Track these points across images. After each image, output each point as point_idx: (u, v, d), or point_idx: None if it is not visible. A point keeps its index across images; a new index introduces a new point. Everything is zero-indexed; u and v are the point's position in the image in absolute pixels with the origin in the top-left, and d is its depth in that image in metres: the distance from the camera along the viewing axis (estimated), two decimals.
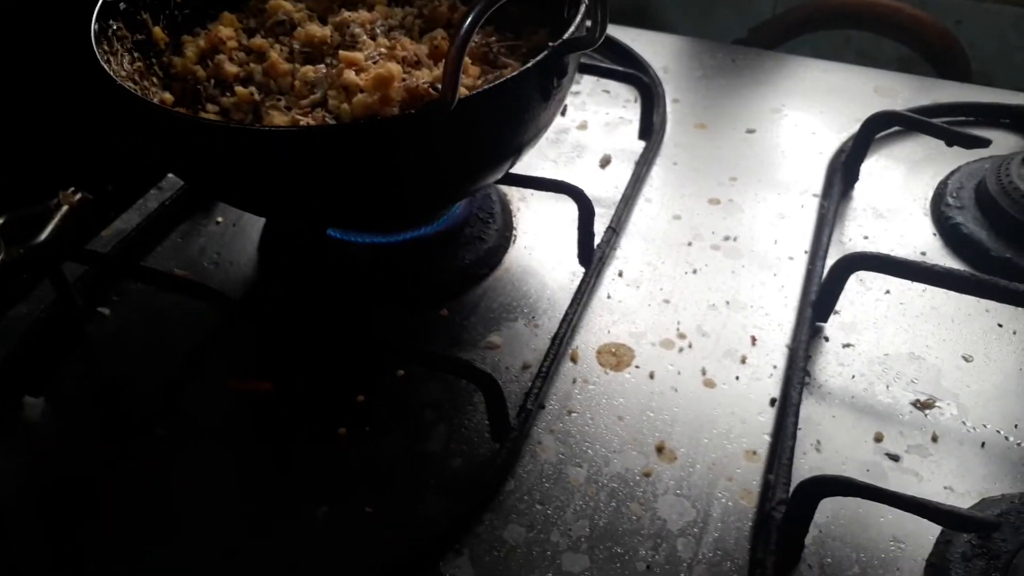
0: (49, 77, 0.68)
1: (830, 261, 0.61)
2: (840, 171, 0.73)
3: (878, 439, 0.53)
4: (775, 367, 0.58)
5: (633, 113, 0.81)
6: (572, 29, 0.54)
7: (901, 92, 0.83)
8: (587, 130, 0.80)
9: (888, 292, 0.63)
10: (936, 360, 0.58)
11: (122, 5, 0.58)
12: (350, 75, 0.55)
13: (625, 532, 0.49)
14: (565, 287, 0.64)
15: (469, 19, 0.46)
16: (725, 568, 0.47)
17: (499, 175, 0.59)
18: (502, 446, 0.52)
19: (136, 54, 0.60)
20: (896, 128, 0.76)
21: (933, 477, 0.51)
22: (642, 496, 0.51)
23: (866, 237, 0.68)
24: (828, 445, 0.53)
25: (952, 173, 0.72)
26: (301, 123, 0.54)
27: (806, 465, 0.52)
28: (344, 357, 0.59)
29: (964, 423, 0.54)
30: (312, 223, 0.64)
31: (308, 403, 0.56)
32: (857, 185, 0.73)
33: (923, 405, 0.55)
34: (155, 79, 0.60)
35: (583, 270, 0.65)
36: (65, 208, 0.54)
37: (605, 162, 0.76)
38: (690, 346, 0.59)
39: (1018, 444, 0.53)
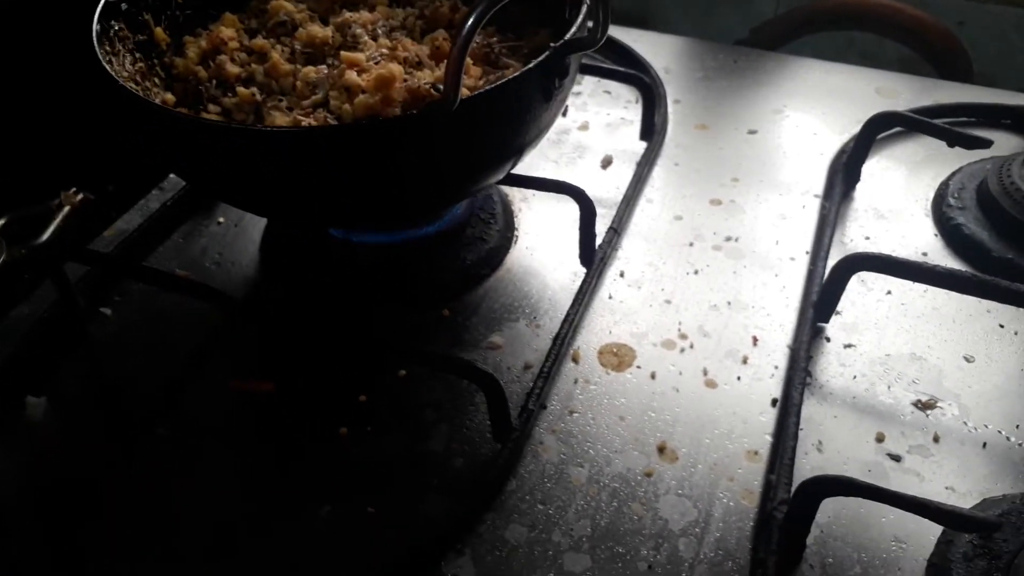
0: (50, 77, 0.68)
1: (831, 262, 0.61)
2: (841, 172, 0.73)
3: (879, 439, 0.53)
4: (776, 367, 0.58)
5: (634, 114, 0.81)
6: (574, 30, 0.54)
7: (903, 93, 0.83)
8: (588, 131, 0.80)
9: (889, 293, 0.63)
10: (937, 361, 0.58)
11: (124, 6, 0.59)
12: (352, 76, 0.55)
13: (627, 532, 0.49)
14: (566, 287, 0.64)
15: (471, 20, 0.46)
16: (727, 568, 0.47)
17: (501, 176, 0.59)
18: (504, 446, 0.52)
19: (138, 55, 0.60)
20: (897, 129, 0.76)
21: (934, 477, 0.51)
22: (644, 496, 0.51)
23: (867, 238, 0.68)
24: (829, 445, 0.53)
25: (953, 174, 0.72)
26: (303, 124, 0.54)
27: (807, 465, 0.52)
28: (346, 357, 0.59)
29: (965, 423, 0.54)
30: (314, 223, 0.64)
31: (310, 403, 0.56)
32: (858, 186, 0.73)
33: (924, 405, 0.55)
34: (157, 80, 0.61)
35: (584, 270, 0.65)
36: (67, 208, 0.54)
37: (606, 163, 0.76)
38: (691, 346, 0.60)
39: (1019, 444, 0.53)
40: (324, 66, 0.58)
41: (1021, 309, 0.60)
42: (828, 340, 0.60)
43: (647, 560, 0.47)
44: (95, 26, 0.55)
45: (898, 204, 0.71)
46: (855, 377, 0.57)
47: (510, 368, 0.58)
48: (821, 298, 0.60)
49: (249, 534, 0.49)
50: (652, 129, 0.78)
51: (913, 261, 0.60)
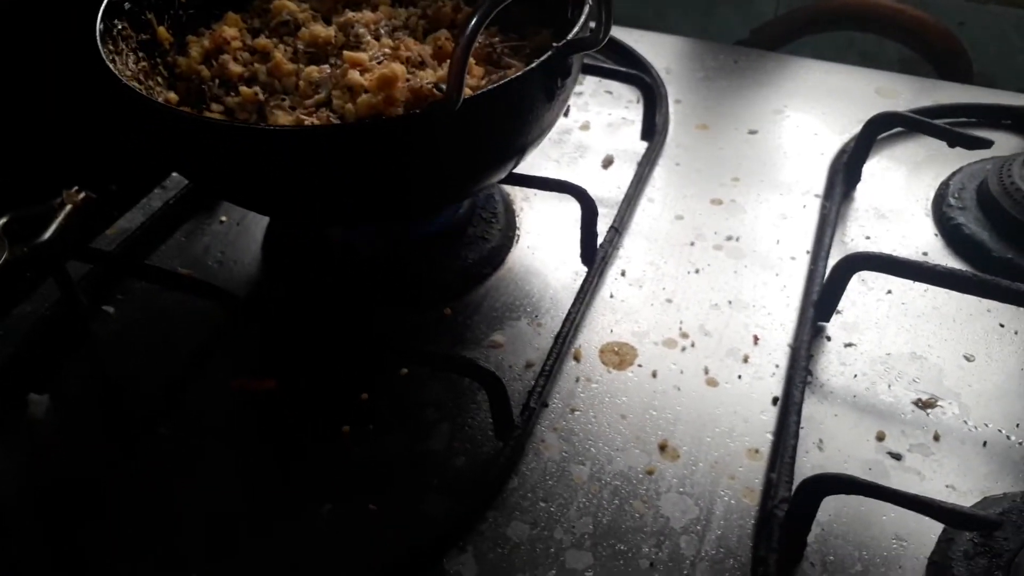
0: (52, 76, 0.68)
1: (832, 261, 0.61)
2: (842, 172, 0.73)
3: (880, 438, 0.53)
4: (777, 366, 0.58)
5: (635, 114, 0.81)
6: (576, 30, 0.54)
7: (903, 93, 0.83)
8: (590, 130, 0.80)
9: (890, 292, 0.63)
10: (938, 360, 0.58)
11: (127, 5, 0.59)
12: (354, 75, 0.55)
13: (628, 529, 0.49)
14: (568, 286, 0.64)
15: (474, 19, 0.46)
16: (728, 565, 0.47)
17: (503, 175, 0.59)
18: (505, 444, 0.52)
19: (141, 54, 0.60)
20: (898, 129, 0.77)
21: (935, 476, 0.51)
22: (645, 494, 0.51)
23: (868, 237, 0.68)
24: (830, 444, 0.53)
25: (954, 174, 0.72)
26: (306, 123, 0.54)
27: (808, 464, 0.52)
28: (347, 356, 0.59)
29: (966, 422, 0.54)
30: (316, 222, 0.64)
31: (311, 402, 0.56)
32: (859, 186, 0.73)
33: (925, 404, 0.55)
34: (160, 79, 0.61)
35: (586, 269, 0.65)
36: (69, 207, 0.55)
37: (608, 162, 0.76)
38: (693, 345, 0.60)
39: (1019, 443, 0.53)
40: (327, 66, 0.58)
41: (1021, 308, 0.60)
42: (829, 339, 0.60)
43: (649, 558, 0.48)
44: (98, 25, 0.55)
45: (898, 204, 0.71)
46: (856, 376, 0.57)
47: (512, 367, 0.58)
48: (822, 297, 0.61)
49: (250, 533, 0.50)
50: (653, 129, 0.79)
51: (913, 261, 0.60)
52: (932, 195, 0.72)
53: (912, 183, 0.73)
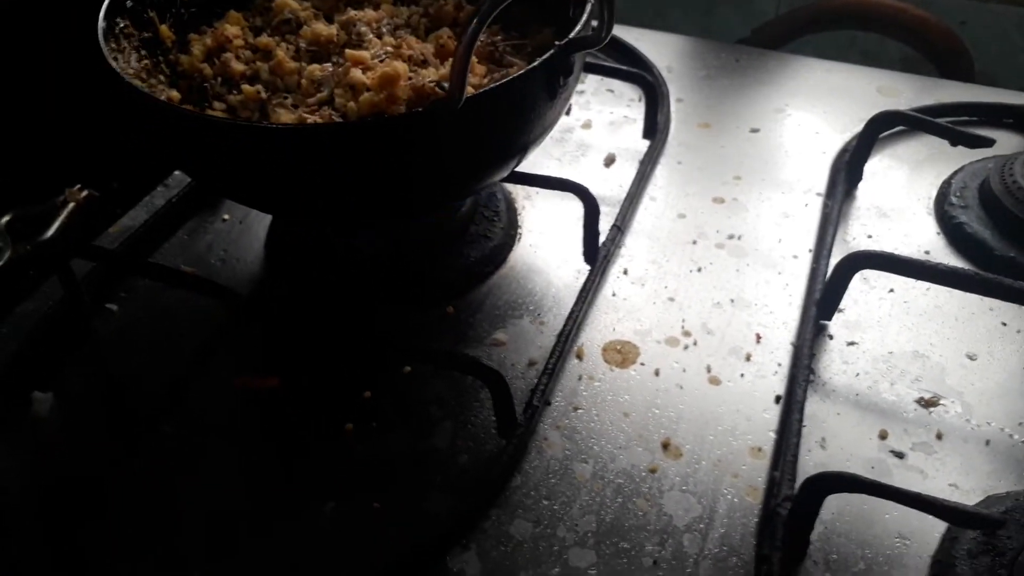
0: (54, 75, 0.68)
1: (834, 260, 0.61)
2: (844, 170, 0.73)
3: (882, 436, 0.53)
4: (780, 365, 0.58)
5: (637, 112, 0.81)
6: (578, 28, 0.54)
7: (904, 92, 0.83)
8: (591, 129, 0.80)
9: (892, 291, 0.63)
10: (940, 358, 0.58)
11: (129, 3, 0.59)
12: (356, 73, 0.55)
13: (631, 528, 0.49)
14: (570, 285, 0.64)
15: (477, 18, 0.46)
16: (731, 563, 0.47)
17: (505, 173, 0.59)
18: (508, 442, 0.52)
19: (143, 52, 0.60)
20: (900, 128, 0.77)
21: (938, 474, 0.51)
22: (648, 492, 0.51)
23: (870, 236, 0.68)
24: (833, 442, 0.53)
25: (956, 173, 0.72)
26: (308, 121, 0.54)
27: (811, 462, 0.52)
28: (350, 354, 0.59)
29: (968, 421, 0.54)
30: (318, 220, 0.64)
31: (314, 400, 0.56)
32: (861, 184, 0.73)
33: (927, 403, 0.55)
34: (162, 77, 0.61)
35: (588, 268, 0.65)
36: (72, 205, 0.54)
37: (609, 161, 0.76)
38: (695, 344, 0.60)
39: (1022, 442, 0.53)
40: (329, 64, 0.58)
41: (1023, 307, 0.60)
42: (831, 338, 0.60)
43: (652, 556, 0.48)
44: (101, 23, 0.55)
45: (900, 203, 0.71)
46: (858, 374, 0.57)
47: (514, 365, 0.58)
48: (824, 296, 0.61)
49: (253, 531, 0.50)
50: (655, 127, 0.79)
51: (916, 259, 0.60)
52: (934, 194, 0.72)
53: (914, 182, 0.73)
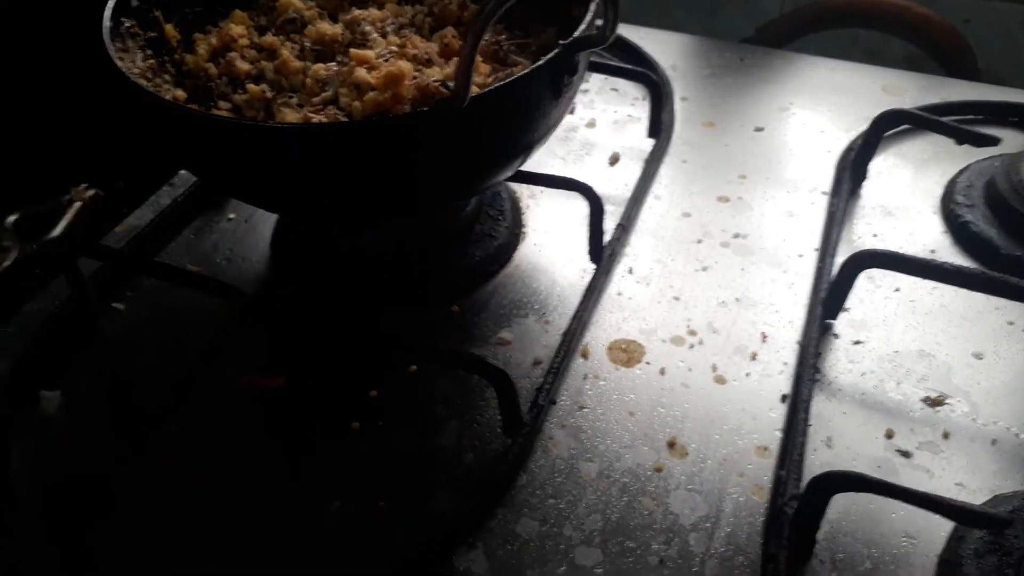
0: (60, 75, 0.68)
1: (839, 259, 0.61)
2: (849, 169, 0.73)
3: (889, 436, 0.53)
4: (785, 364, 0.58)
5: (642, 111, 0.81)
6: (583, 27, 0.54)
7: (909, 91, 0.83)
8: (596, 128, 0.80)
9: (898, 290, 0.63)
10: (946, 357, 0.58)
11: (134, 3, 0.59)
12: (361, 73, 0.55)
13: (637, 527, 0.49)
14: (575, 284, 0.64)
15: (482, 17, 0.46)
16: (737, 563, 0.47)
17: (509, 172, 0.59)
18: (514, 441, 0.53)
19: (148, 52, 0.60)
20: (905, 126, 0.76)
21: (944, 474, 0.51)
22: (654, 491, 0.51)
23: (875, 235, 0.68)
24: (839, 441, 0.53)
25: (961, 171, 0.72)
26: (313, 120, 0.55)
27: (817, 461, 0.52)
28: (356, 353, 0.59)
29: (975, 420, 0.54)
30: (323, 219, 0.64)
31: (320, 399, 0.57)
32: (866, 183, 0.73)
33: (933, 402, 0.55)
34: (167, 76, 0.61)
35: (593, 267, 0.65)
36: (78, 204, 0.54)
37: (614, 160, 0.76)
38: (700, 343, 0.60)
39: None
40: (334, 63, 0.58)
41: None
42: (837, 337, 0.60)
43: (658, 554, 0.48)
44: (106, 23, 0.55)
45: (906, 201, 0.71)
46: (864, 374, 0.57)
47: (519, 364, 0.58)
48: (829, 295, 0.61)
49: (259, 530, 0.50)
50: (659, 126, 0.78)
51: (921, 258, 0.60)
52: (940, 192, 0.72)
53: (919, 180, 0.73)
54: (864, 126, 0.74)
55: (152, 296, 0.64)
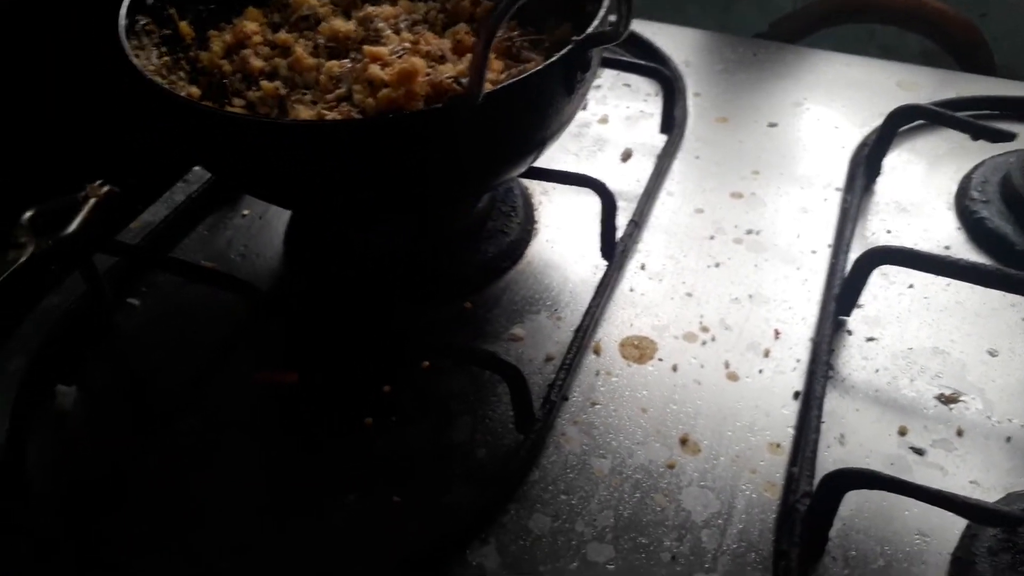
0: (75, 71, 0.69)
1: (853, 255, 0.61)
2: (863, 165, 0.73)
3: (902, 433, 0.53)
4: (798, 360, 0.58)
5: (654, 107, 0.81)
6: (596, 23, 0.54)
7: (924, 86, 0.83)
8: (608, 124, 0.80)
9: (912, 286, 0.63)
10: (961, 354, 0.58)
11: (150, 1, 0.59)
12: (375, 70, 0.55)
13: (650, 523, 0.49)
14: (587, 280, 0.64)
15: (495, 13, 0.46)
16: (750, 559, 0.47)
17: (522, 169, 0.60)
18: (526, 437, 0.53)
19: (163, 49, 0.60)
20: (919, 122, 0.76)
21: (958, 471, 0.51)
22: (666, 487, 0.51)
23: (889, 231, 0.68)
24: (852, 438, 0.53)
25: (976, 167, 0.72)
26: (326, 117, 0.55)
27: (830, 458, 0.52)
28: (369, 349, 0.59)
29: (989, 418, 0.54)
30: (336, 216, 0.64)
31: (334, 394, 0.57)
32: (880, 179, 0.72)
33: (948, 399, 0.55)
34: (182, 73, 0.61)
35: (605, 263, 0.65)
36: (93, 201, 0.55)
37: (626, 156, 0.76)
38: (713, 339, 0.60)
39: None
40: (347, 60, 0.59)
41: None
42: (850, 333, 0.60)
43: (670, 551, 0.48)
44: (122, 20, 0.55)
45: (920, 197, 0.71)
46: (877, 371, 0.57)
47: (532, 360, 0.59)
48: (843, 292, 0.60)
49: (273, 524, 0.50)
50: (672, 122, 0.78)
51: (936, 255, 0.59)
52: (954, 188, 0.71)
53: (934, 176, 0.73)
54: (878, 121, 0.74)
55: (167, 292, 0.65)
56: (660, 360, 0.58)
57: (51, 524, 0.50)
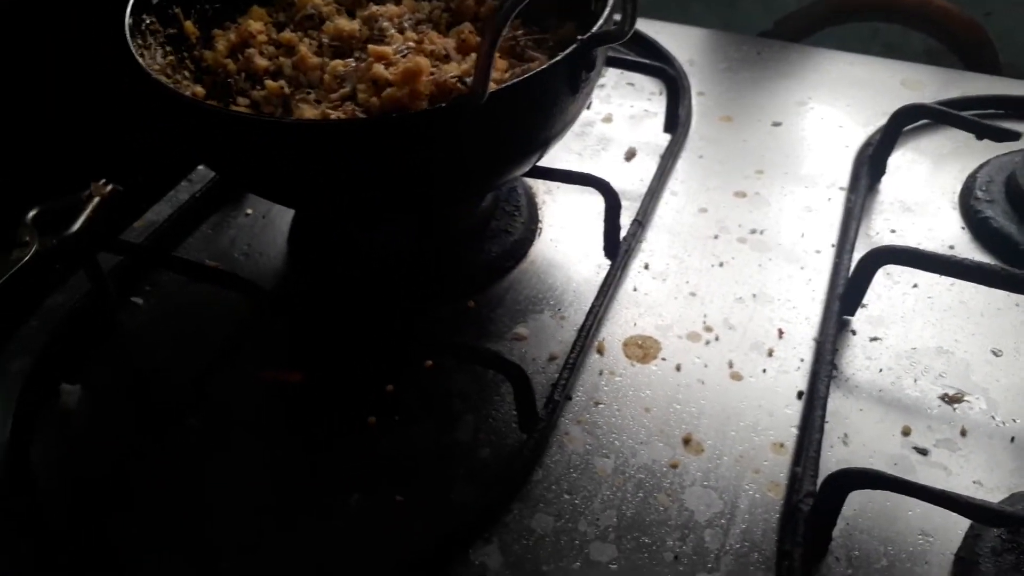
0: (79, 70, 0.69)
1: (857, 255, 0.61)
2: (867, 164, 0.73)
3: (906, 433, 0.53)
4: (802, 360, 0.58)
5: (658, 106, 0.81)
6: (601, 22, 0.54)
7: (928, 85, 0.82)
8: (612, 123, 0.80)
9: (916, 286, 0.63)
10: (965, 354, 0.58)
11: (155, 0, 0.59)
12: (379, 69, 0.55)
13: (652, 523, 0.49)
14: (591, 280, 0.64)
15: (501, 13, 0.46)
16: (752, 559, 0.47)
17: (526, 168, 0.60)
18: (530, 436, 0.53)
19: (168, 48, 0.60)
20: (924, 121, 0.76)
21: (962, 471, 0.51)
22: (669, 487, 0.51)
23: (893, 231, 0.68)
24: (855, 438, 0.53)
25: (981, 166, 0.72)
26: (331, 117, 0.55)
27: (833, 458, 0.52)
28: (373, 348, 0.59)
29: (993, 417, 0.54)
30: (340, 215, 0.64)
31: (338, 393, 0.57)
32: (884, 178, 0.72)
33: (951, 399, 0.55)
34: (187, 72, 0.61)
35: (609, 263, 0.65)
36: (97, 199, 0.55)
37: (630, 155, 0.76)
38: (717, 339, 0.60)
39: None
40: (352, 59, 0.59)
41: None
42: (854, 333, 0.60)
43: (673, 551, 0.48)
44: (127, 20, 0.56)
45: (924, 197, 0.71)
46: (881, 370, 0.57)
47: (535, 359, 0.59)
48: (847, 291, 0.60)
49: (278, 523, 0.50)
50: (676, 121, 0.78)
51: (940, 254, 0.59)
52: (959, 188, 0.71)
53: (938, 176, 0.73)
54: (882, 121, 0.74)
55: (170, 291, 0.65)
56: (664, 360, 0.58)
57: (55, 522, 0.50)
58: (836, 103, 0.81)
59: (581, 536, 0.49)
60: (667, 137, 0.78)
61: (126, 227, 0.70)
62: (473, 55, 0.58)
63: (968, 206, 0.68)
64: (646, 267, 0.65)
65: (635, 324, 0.61)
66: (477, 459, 0.53)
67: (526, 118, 0.54)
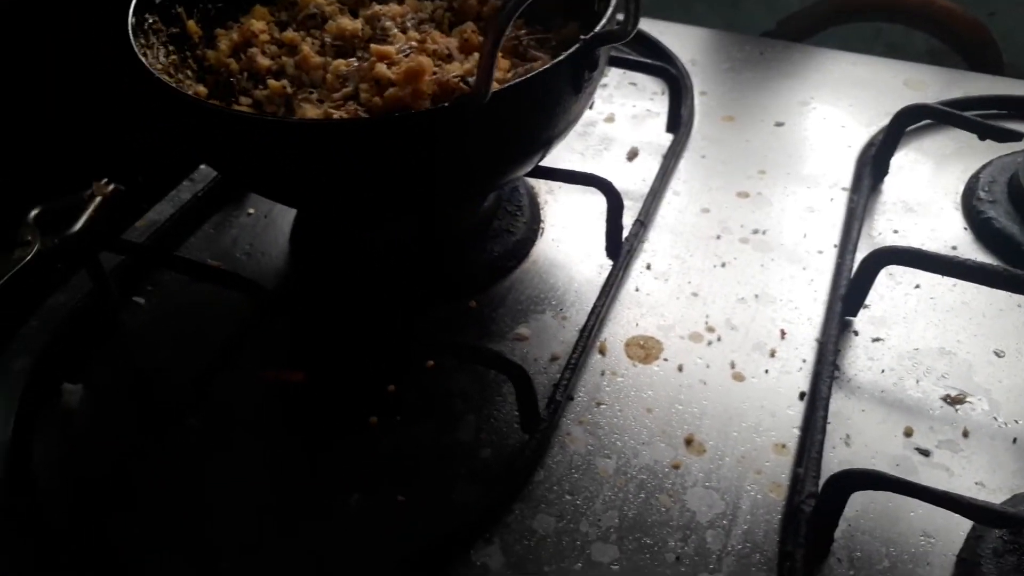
0: (81, 69, 0.69)
1: (860, 255, 0.61)
2: (870, 165, 0.73)
3: (908, 434, 0.53)
4: (804, 361, 0.58)
5: (660, 106, 0.81)
6: (604, 21, 0.54)
7: (931, 85, 0.82)
8: (614, 123, 0.80)
9: (918, 287, 0.62)
10: (967, 355, 0.58)
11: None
12: (381, 68, 0.55)
13: (654, 523, 0.49)
14: (593, 280, 0.64)
15: (504, 13, 0.46)
16: (754, 560, 0.47)
17: (529, 168, 0.59)
18: (531, 437, 0.53)
19: (171, 47, 0.60)
20: (926, 121, 0.76)
21: (964, 472, 0.51)
22: (671, 488, 0.51)
23: (896, 231, 0.67)
24: (857, 439, 0.53)
25: (984, 167, 0.72)
26: (333, 116, 0.55)
27: (835, 459, 0.52)
28: (374, 348, 0.59)
29: (995, 419, 0.54)
30: (342, 214, 0.64)
31: (339, 393, 0.57)
32: (887, 179, 0.72)
33: (954, 400, 0.55)
34: (189, 72, 0.61)
35: (611, 263, 0.65)
36: (98, 199, 0.55)
37: (632, 155, 0.76)
38: (719, 339, 0.60)
39: None
40: (354, 59, 0.59)
41: None
42: (856, 334, 0.59)
43: (675, 551, 0.48)
44: (130, 19, 0.56)
45: (927, 197, 0.70)
46: (883, 371, 0.57)
47: (537, 359, 0.59)
48: (849, 292, 0.60)
49: (279, 523, 0.50)
50: (679, 121, 0.78)
51: (942, 255, 0.59)
52: (962, 188, 0.71)
53: (941, 176, 0.73)
54: (885, 121, 0.73)
55: (172, 290, 0.65)
56: (665, 360, 0.58)
57: (57, 522, 0.50)
58: (839, 103, 0.81)
59: (583, 537, 0.49)
60: (669, 137, 0.77)
61: (128, 227, 0.70)
62: (476, 55, 0.58)
63: (971, 207, 0.68)
64: (648, 267, 0.65)
65: (637, 324, 0.61)
66: (478, 459, 0.53)
67: (529, 118, 0.54)
